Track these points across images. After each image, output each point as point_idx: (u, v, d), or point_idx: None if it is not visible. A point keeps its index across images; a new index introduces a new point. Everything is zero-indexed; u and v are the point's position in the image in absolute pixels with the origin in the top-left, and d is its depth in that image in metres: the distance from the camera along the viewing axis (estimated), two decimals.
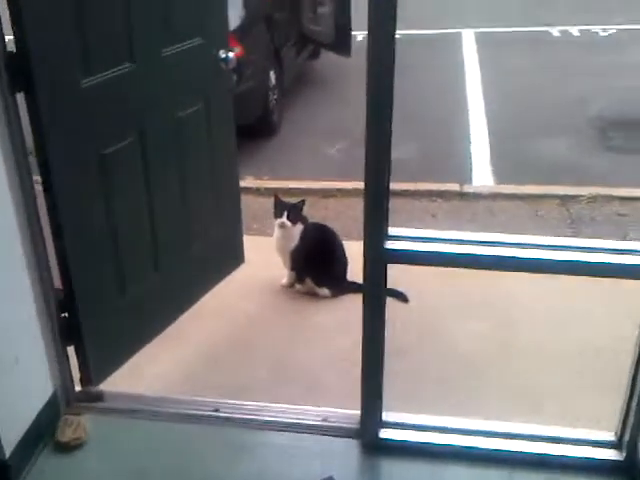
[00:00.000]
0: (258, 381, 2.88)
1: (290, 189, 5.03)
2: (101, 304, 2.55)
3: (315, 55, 7.86)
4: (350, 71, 8.24)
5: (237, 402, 2.52)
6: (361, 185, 5.02)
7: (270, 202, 4.75)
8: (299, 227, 3.38)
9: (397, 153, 5.69)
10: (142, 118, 2.60)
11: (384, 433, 2.31)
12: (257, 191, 4.97)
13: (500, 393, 2.79)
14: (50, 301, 2.33)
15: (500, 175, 5.31)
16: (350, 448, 2.36)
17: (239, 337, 3.19)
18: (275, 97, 6.17)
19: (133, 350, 2.72)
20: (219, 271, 3.16)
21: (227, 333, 3.21)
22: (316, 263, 3.39)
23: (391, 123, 1.85)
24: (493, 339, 3.15)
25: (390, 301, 3.44)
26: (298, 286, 3.51)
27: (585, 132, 6.03)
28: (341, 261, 3.46)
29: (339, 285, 3.46)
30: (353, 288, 3.47)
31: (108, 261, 2.53)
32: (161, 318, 2.87)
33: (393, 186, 4.91)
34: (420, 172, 5.39)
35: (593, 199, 4.73)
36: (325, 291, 3.44)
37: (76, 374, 2.55)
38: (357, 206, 4.87)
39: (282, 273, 3.63)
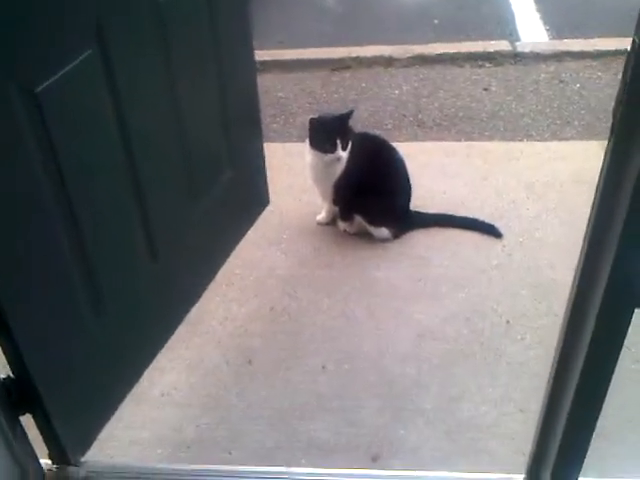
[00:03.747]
0: (317, 397, 1.94)
1: (288, 62, 3.86)
2: (63, 330, 1.53)
3: None
4: None
5: (307, 472, 1.60)
6: (385, 50, 3.72)
7: (268, 81, 3.62)
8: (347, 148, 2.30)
9: None
10: (102, 13, 1.44)
11: None
12: None
13: None
14: None
15: (553, 23, 4.16)
16: None
17: (274, 317, 2.21)
18: None
19: (126, 388, 1.74)
20: (239, 227, 2.12)
21: (255, 312, 2.23)
22: (370, 194, 2.35)
23: None
24: None
25: (478, 240, 2.52)
26: (343, 225, 2.49)
27: None
28: (404, 188, 2.42)
29: (402, 221, 2.44)
30: (419, 223, 2.47)
31: (63, 254, 1.48)
32: (164, 324, 1.87)
33: (425, 48, 3.78)
34: (448, 25, 4.22)
35: None
36: (384, 232, 2.43)
37: (42, 449, 1.58)
38: (383, 80, 3.77)
39: (312, 201, 2.59)
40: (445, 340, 2.08)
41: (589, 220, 1.16)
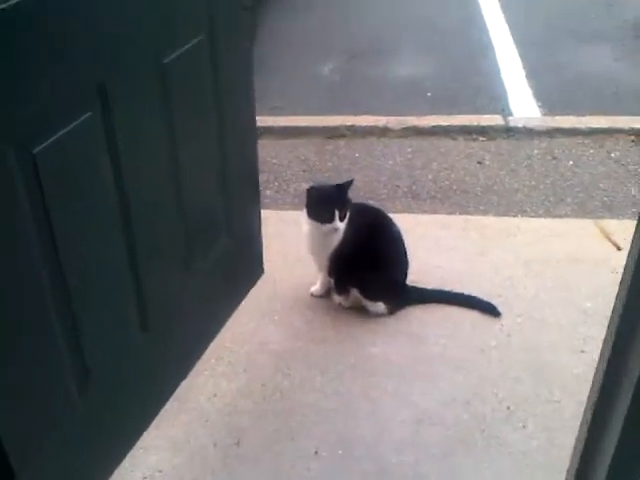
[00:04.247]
0: None
1: (283, 129, 3.85)
2: (47, 408, 1.43)
3: None
4: None
5: None
6: (380, 121, 3.73)
7: (261, 147, 3.59)
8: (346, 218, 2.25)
9: (408, 70, 4.24)
10: (105, 75, 1.40)
11: None
12: None
13: None
14: None
15: (545, 100, 4.20)
16: None
17: (265, 395, 2.11)
18: None
19: (108, 472, 1.63)
20: (232, 297, 2.05)
21: (245, 389, 2.13)
22: (366, 267, 2.28)
23: None
24: None
25: (476, 319, 2.49)
26: (338, 298, 2.42)
27: (629, 40, 4.96)
28: (401, 262, 2.37)
29: (399, 296, 2.38)
30: (416, 298, 2.41)
31: (50, 322, 1.40)
32: (153, 399, 1.77)
33: (420, 120, 3.78)
34: (441, 98, 4.26)
35: None
36: (380, 307, 2.36)
37: None
38: (377, 149, 3.75)
39: (306, 272, 2.52)
40: (444, 426, 1.99)
41: (612, 319, 1.10)
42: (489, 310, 2.37)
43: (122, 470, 1.81)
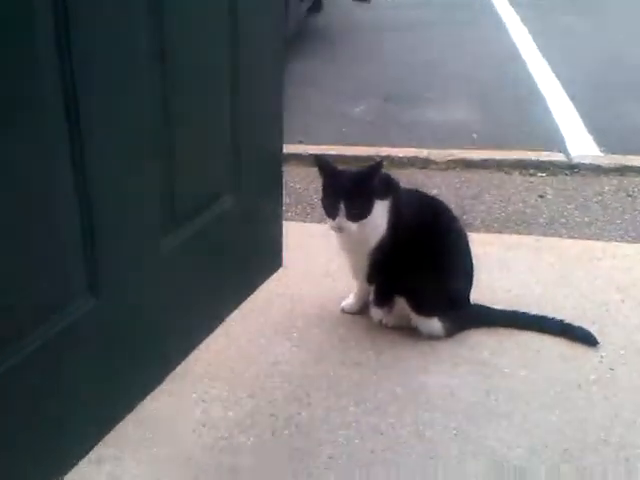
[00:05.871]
0: None
1: (309, 157, 3.35)
2: None
3: (317, 8, 6.32)
4: (357, 26, 6.72)
5: None
6: (420, 152, 3.31)
7: (285, 173, 3.09)
8: (383, 205, 1.68)
9: (449, 115, 3.80)
10: None
11: None
12: None
13: None
14: None
15: (608, 146, 3.69)
16: None
17: (275, 428, 1.49)
18: None
19: None
20: (236, 284, 1.47)
21: (247, 420, 1.51)
22: (419, 271, 1.70)
23: None
24: None
25: (564, 347, 1.83)
26: (378, 313, 1.83)
27: None
28: (465, 268, 1.79)
29: (460, 313, 1.77)
30: (482, 319, 1.81)
31: None
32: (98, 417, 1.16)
33: (467, 153, 3.28)
34: (489, 140, 3.77)
35: None
36: (435, 325, 1.76)
37: None
38: (418, 179, 3.17)
39: (336, 288, 1.94)
40: None
41: None
42: (582, 338, 1.77)
43: None
